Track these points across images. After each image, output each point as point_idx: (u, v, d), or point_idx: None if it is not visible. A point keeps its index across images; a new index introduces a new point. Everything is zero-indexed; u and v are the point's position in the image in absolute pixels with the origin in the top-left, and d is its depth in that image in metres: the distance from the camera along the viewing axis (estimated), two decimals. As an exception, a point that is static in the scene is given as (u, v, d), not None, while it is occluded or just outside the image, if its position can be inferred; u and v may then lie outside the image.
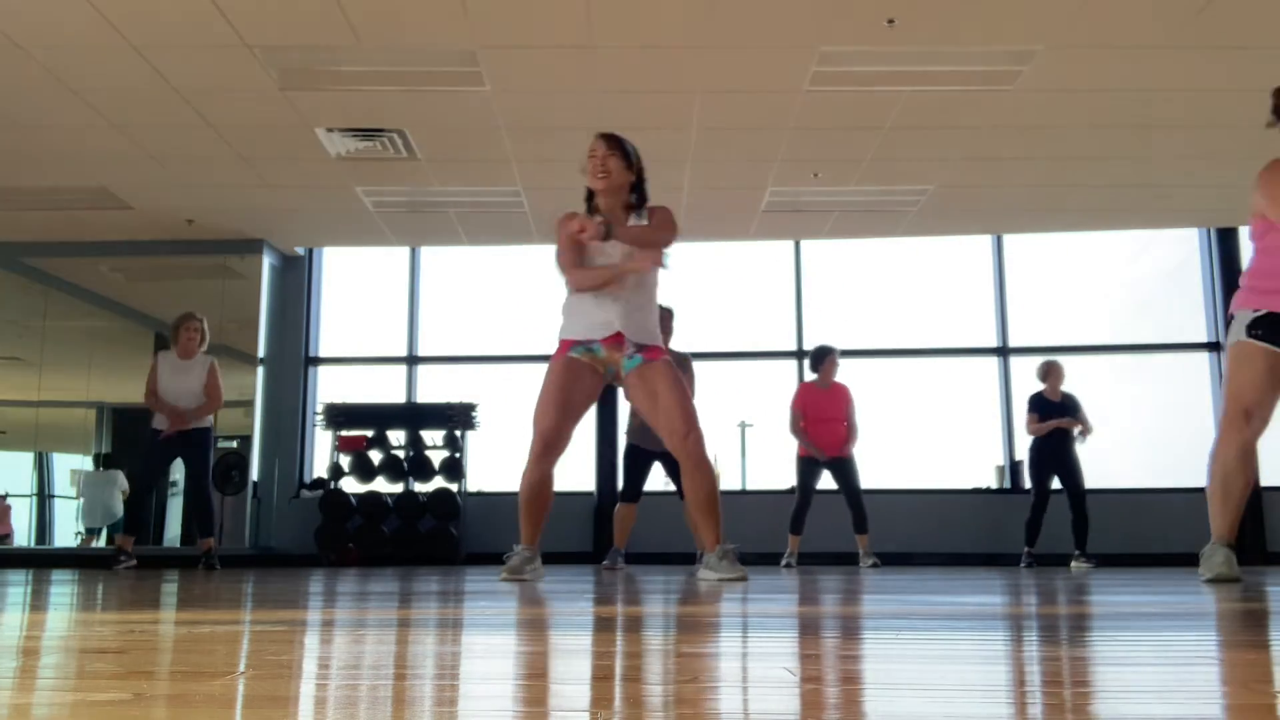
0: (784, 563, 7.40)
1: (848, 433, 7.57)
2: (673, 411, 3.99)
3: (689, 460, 4.01)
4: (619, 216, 4.10)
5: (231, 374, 9.06)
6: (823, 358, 7.65)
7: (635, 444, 6.64)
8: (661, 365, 4.04)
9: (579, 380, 4.06)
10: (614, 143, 4.12)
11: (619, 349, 4.04)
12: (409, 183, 7.81)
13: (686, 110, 6.55)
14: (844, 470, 7.53)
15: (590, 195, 4.17)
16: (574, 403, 4.07)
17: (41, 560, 8.78)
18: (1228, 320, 4.00)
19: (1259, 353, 3.81)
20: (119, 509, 9.75)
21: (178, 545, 8.71)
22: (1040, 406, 7.78)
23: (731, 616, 2.15)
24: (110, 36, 5.55)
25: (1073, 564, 7.57)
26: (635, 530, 6.74)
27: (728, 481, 9.64)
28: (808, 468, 7.57)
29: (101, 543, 9.93)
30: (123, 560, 6.68)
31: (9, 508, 10.07)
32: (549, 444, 4.04)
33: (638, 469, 6.67)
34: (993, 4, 5.35)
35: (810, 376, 7.76)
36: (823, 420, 7.55)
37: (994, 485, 9.24)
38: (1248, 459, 3.84)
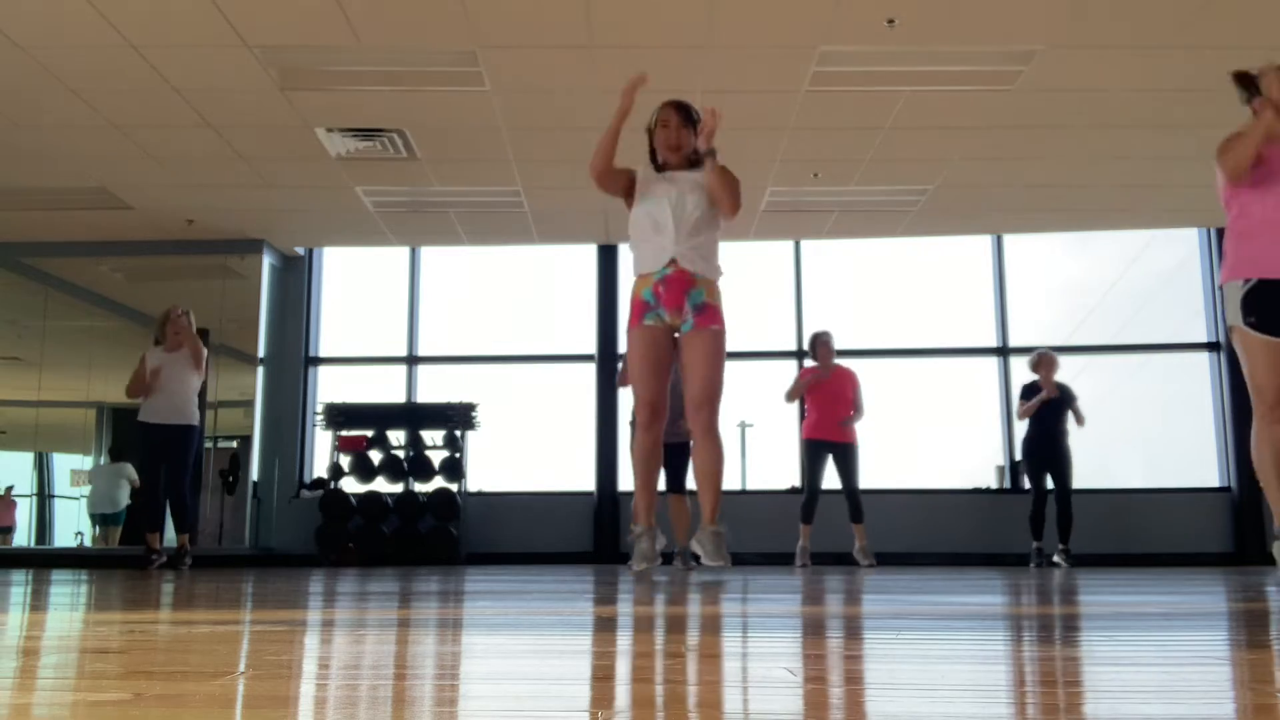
0: (799, 562, 7.34)
1: (852, 415, 7.51)
2: (695, 382, 4.20)
3: (699, 428, 4.22)
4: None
5: (231, 374, 9.09)
6: (813, 343, 7.67)
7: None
8: (702, 335, 4.21)
9: (659, 342, 4.26)
10: (687, 115, 4.35)
11: (679, 313, 4.20)
12: (409, 183, 7.81)
13: (686, 110, 6.53)
14: (846, 458, 7.46)
15: (654, 149, 4.39)
16: (663, 364, 4.28)
17: (41, 560, 8.78)
18: (1221, 288, 3.89)
19: (1259, 345, 3.72)
20: (124, 500, 9.77)
21: (174, 546, 8.69)
22: (1032, 396, 7.76)
23: (731, 616, 2.15)
24: (110, 36, 5.55)
25: (1054, 559, 7.63)
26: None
27: (728, 482, 9.62)
28: (814, 455, 7.50)
29: (104, 538, 9.95)
30: (154, 559, 6.81)
31: (14, 503, 10.10)
32: (655, 409, 4.26)
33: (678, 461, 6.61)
34: (993, 4, 5.36)
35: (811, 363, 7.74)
36: (827, 403, 7.50)
37: (994, 485, 9.24)
38: None
